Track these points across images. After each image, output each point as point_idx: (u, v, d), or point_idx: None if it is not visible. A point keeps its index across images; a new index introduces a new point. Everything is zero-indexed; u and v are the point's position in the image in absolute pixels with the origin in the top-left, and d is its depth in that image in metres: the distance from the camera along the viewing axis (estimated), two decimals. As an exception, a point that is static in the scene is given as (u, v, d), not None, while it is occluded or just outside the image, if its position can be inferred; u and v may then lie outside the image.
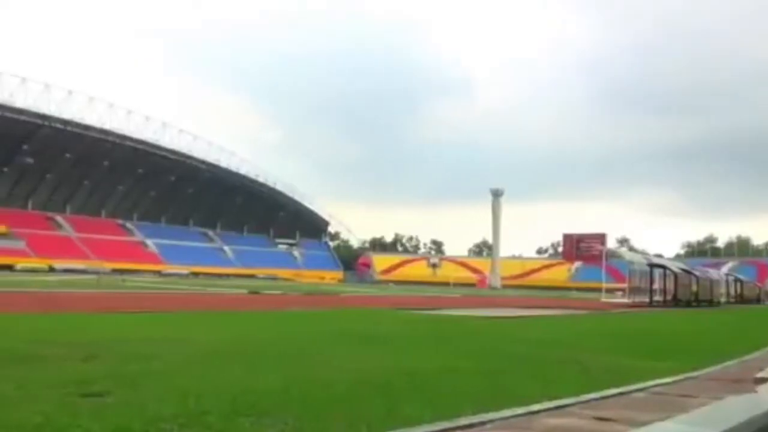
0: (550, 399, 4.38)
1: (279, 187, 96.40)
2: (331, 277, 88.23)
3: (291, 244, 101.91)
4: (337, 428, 3.49)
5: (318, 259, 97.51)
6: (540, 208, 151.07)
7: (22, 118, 68.19)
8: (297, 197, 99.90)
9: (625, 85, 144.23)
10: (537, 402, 4.23)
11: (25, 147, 72.43)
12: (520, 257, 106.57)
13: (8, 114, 67.05)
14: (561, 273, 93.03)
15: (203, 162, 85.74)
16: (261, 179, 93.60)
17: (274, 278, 72.44)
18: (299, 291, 32.54)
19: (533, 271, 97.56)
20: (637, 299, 31.87)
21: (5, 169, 74.83)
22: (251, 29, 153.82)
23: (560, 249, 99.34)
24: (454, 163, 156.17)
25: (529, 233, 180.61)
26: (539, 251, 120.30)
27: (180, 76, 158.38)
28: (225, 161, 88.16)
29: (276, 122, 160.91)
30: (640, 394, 4.89)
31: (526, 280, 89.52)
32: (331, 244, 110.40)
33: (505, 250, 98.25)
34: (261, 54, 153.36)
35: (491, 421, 3.69)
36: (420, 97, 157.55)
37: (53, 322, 9.68)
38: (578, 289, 68.27)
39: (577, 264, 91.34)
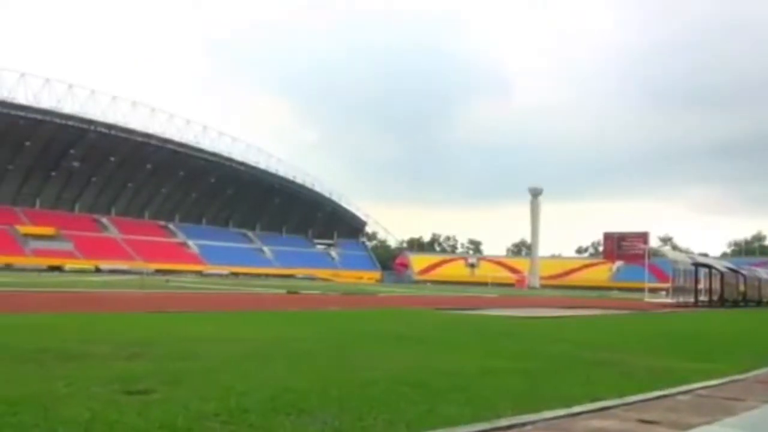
0: (592, 400, 4.31)
1: (317, 187, 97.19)
2: (369, 277, 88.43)
3: (329, 245, 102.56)
4: (377, 427, 3.51)
5: (355, 259, 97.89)
6: (580, 207, 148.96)
7: (70, 123, 70.49)
8: (334, 197, 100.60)
9: (668, 80, 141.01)
10: (578, 403, 4.18)
11: (72, 151, 74.79)
12: (559, 257, 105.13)
13: (56, 120, 69.38)
14: (602, 273, 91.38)
15: (242, 164, 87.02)
16: (299, 180, 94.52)
17: (312, 278, 73.00)
18: (337, 291, 32.72)
19: (573, 270, 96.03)
20: (682, 299, 31.09)
21: (53, 173, 77.31)
22: (288, 31, 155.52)
23: (601, 248, 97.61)
24: (492, 162, 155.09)
25: (569, 232, 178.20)
26: (579, 251, 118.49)
27: (219, 79, 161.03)
28: (263, 163, 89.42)
29: (313, 123, 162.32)
30: (685, 397, 4.77)
31: (566, 280, 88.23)
32: (369, 244, 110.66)
33: (544, 249, 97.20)
34: (298, 56, 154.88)
35: (532, 422, 3.66)
36: (457, 97, 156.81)
37: (99, 322, 9.95)
38: (620, 289, 66.97)
39: (619, 263, 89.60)
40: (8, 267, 56.54)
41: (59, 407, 3.61)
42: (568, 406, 4.08)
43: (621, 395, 4.54)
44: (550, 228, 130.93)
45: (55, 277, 42.14)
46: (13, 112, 66.27)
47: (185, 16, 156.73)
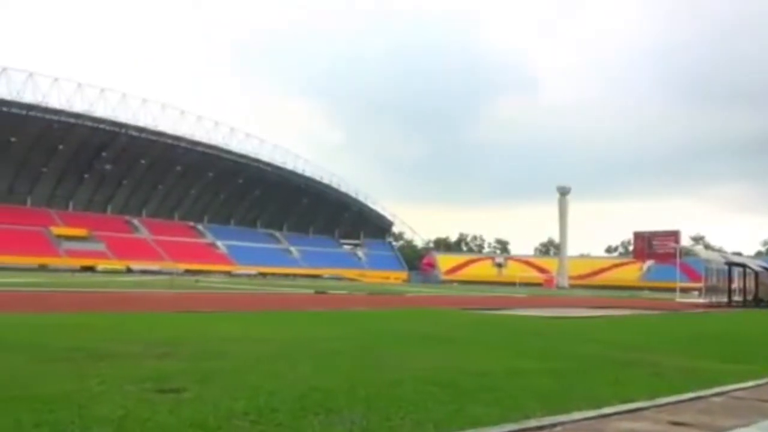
0: (623, 401, 4.25)
1: (343, 188, 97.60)
2: (396, 277, 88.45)
3: (355, 245, 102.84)
4: (404, 427, 3.51)
5: (382, 259, 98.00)
6: (609, 206, 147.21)
7: (101, 126, 71.94)
8: (361, 198, 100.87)
9: (697, 76, 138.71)
10: (609, 404, 4.12)
11: (104, 154, 76.30)
12: (588, 256, 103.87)
13: (89, 123, 70.85)
14: (632, 272, 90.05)
15: (269, 164, 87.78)
16: (325, 180, 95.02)
17: (339, 278, 73.29)
18: (364, 291, 32.79)
19: (602, 270, 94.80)
20: (715, 299, 30.50)
21: (86, 176, 78.95)
22: (314, 33, 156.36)
23: (631, 247, 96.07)
24: (520, 161, 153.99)
25: (598, 232, 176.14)
26: (608, 250, 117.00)
27: (247, 81, 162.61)
28: (290, 163, 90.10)
29: (339, 124, 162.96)
30: (719, 399, 4.67)
31: (595, 280, 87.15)
32: (395, 244, 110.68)
33: (572, 249, 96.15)
34: (324, 57, 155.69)
35: (561, 423, 3.62)
36: (484, 95, 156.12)
37: (131, 321, 10.13)
38: (651, 289, 65.94)
39: (649, 263, 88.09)
40: (43, 267, 57.86)
41: (93, 405, 3.68)
42: (598, 407, 4.03)
43: (652, 396, 4.47)
44: (578, 227, 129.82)
45: (87, 277, 43.00)
46: (47, 116, 67.88)
47: (213, 18, 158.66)
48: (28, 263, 57.75)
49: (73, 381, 4.37)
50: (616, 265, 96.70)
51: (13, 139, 69.07)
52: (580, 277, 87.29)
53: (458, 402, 4.12)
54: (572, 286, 79.29)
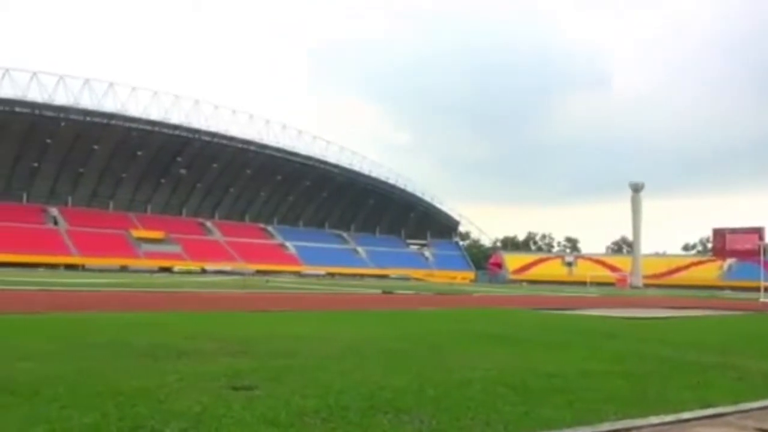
0: (703, 406, 4.08)
1: (409, 188, 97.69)
2: (463, 276, 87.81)
3: (422, 245, 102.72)
4: (474, 428, 3.48)
5: (449, 259, 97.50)
6: (685, 202, 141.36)
7: (177, 132, 74.96)
8: (427, 198, 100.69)
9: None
10: (688, 409, 3.96)
11: (179, 159, 79.38)
12: (664, 254, 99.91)
13: (165, 130, 74.01)
14: (711, 271, 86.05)
15: (336, 166, 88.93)
16: (391, 181, 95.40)
17: (406, 278, 73.38)
18: (431, 291, 32.72)
19: (679, 269, 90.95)
20: (804, 299, 28.75)
21: (163, 181, 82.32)
22: (380, 34, 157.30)
23: (710, 245, 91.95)
24: (590, 157, 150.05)
25: (674, 229, 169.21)
26: (686, 248, 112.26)
27: (313, 84, 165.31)
28: (357, 165, 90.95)
29: (405, 124, 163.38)
30: (810, 405, 4.40)
31: (671, 279, 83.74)
32: (462, 243, 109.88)
33: (647, 247, 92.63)
34: (391, 59, 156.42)
35: (637, 427, 3.51)
36: (553, 91, 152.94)
37: (206, 320, 10.48)
38: (732, 289, 62.77)
39: (730, 261, 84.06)
40: (124, 269, 60.70)
41: (172, 400, 3.84)
42: (677, 411, 3.88)
43: (735, 401, 4.26)
44: (653, 225, 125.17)
45: (165, 277, 44.79)
46: (126, 124, 71.32)
47: (282, 24, 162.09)
48: (110, 264, 60.74)
49: (154, 377, 4.57)
50: (694, 264, 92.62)
51: (96, 147, 72.89)
52: (655, 276, 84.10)
53: (528, 403, 4.06)
54: (646, 286, 76.49)
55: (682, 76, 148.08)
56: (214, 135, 77.03)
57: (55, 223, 72.03)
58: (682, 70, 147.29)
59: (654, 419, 3.67)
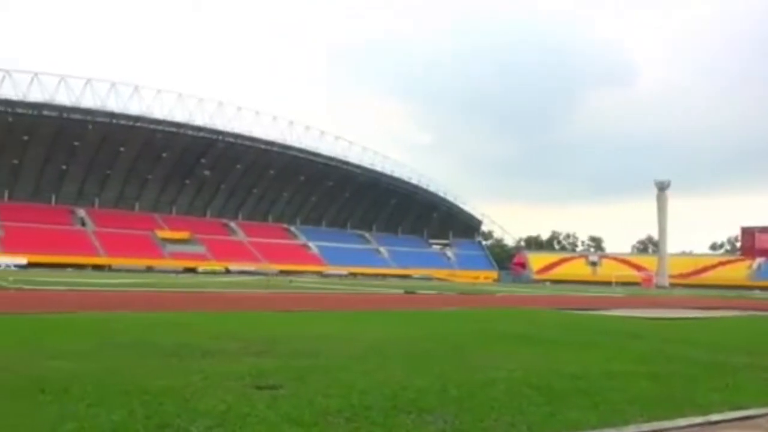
0: (733, 408, 4.01)
1: (431, 188, 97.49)
2: (486, 276, 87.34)
3: (444, 244, 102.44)
4: (498, 429, 3.46)
5: (471, 259, 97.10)
6: (713, 201, 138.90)
7: (201, 134, 75.85)
8: (449, 197, 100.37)
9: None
10: (717, 411, 3.90)
11: (203, 160, 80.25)
12: (690, 254, 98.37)
13: (189, 132, 74.92)
14: (740, 270, 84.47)
15: (358, 166, 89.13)
16: (414, 181, 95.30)
17: (429, 278, 73.22)
18: (454, 290, 32.61)
19: (706, 268, 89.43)
20: (837, 300, 28.07)
21: (187, 182, 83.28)
22: (403, 34, 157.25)
23: (738, 244, 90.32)
24: (614, 155, 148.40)
25: (702, 228, 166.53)
26: (713, 247, 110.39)
27: (335, 83, 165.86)
28: (379, 165, 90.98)
29: (427, 123, 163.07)
30: None
31: (699, 279, 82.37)
32: (485, 243, 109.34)
33: (673, 246, 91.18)
34: (413, 59, 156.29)
35: (664, 430, 3.46)
36: (575, 88, 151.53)
37: (230, 320, 10.57)
38: (762, 288, 61.55)
39: (760, 260, 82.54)
40: (149, 269, 61.48)
41: (197, 399, 3.89)
42: (705, 413, 3.82)
43: (767, 404, 4.18)
44: (679, 223, 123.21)
45: (189, 278, 45.28)
46: (151, 126, 72.33)
47: (304, 24, 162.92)
48: (136, 265, 61.54)
49: (179, 376, 4.62)
50: (722, 263, 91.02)
51: (122, 149, 74.02)
52: (682, 275, 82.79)
53: (553, 405, 4.03)
54: (673, 286, 75.32)
55: (708, 72, 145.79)
56: (237, 136, 77.73)
57: (83, 224, 73.26)
58: (708, 67, 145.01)
59: (681, 421, 3.62)
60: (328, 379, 4.70)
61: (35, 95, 64.34)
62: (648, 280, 79.32)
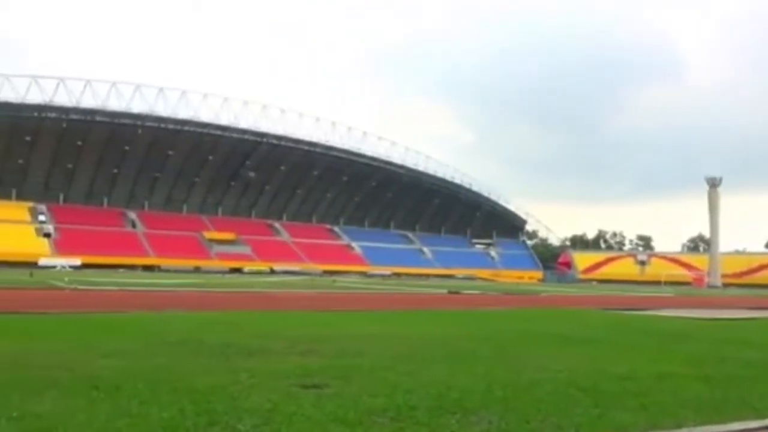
0: (791, 413, 3.86)
1: (475, 187, 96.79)
2: (530, 276, 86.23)
3: (488, 244, 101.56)
4: (544, 430, 3.42)
5: (516, 259, 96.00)
6: (767, 197, 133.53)
7: (245, 137, 77.25)
8: (493, 197, 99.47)
9: None
10: (774, 415, 3.76)
11: (248, 162, 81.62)
12: (744, 252, 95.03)
13: (234, 134, 76.31)
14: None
15: (401, 167, 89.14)
16: (457, 180, 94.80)
17: (472, 278, 72.72)
18: (498, 291, 32.31)
19: (762, 267, 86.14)
20: None
21: (233, 183, 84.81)
22: (445, 33, 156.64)
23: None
24: (663, 152, 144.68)
25: (756, 225, 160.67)
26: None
27: (378, 84, 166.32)
28: (422, 165, 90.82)
29: (471, 124, 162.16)
30: None
31: (753, 278, 79.48)
32: (529, 243, 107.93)
33: (726, 244, 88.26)
34: (456, 58, 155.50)
35: (718, 433, 3.36)
36: (621, 84, 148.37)
37: (275, 319, 10.71)
38: (821, 288, 59.02)
39: (819, 258, 79.05)
40: (197, 269, 62.80)
41: (244, 398, 3.96)
42: (761, 417, 3.69)
43: (827, 408, 4.02)
44: (732, 221, 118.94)
45: (236, 278, 46.07)
46: (198, 129, 73.97)
47: (346, 26, 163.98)
48: (184, 265, 62.95)
49: (227, 375, 4.72)
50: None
51: (170, 153, 75.92)
52: (735, 275, 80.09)
53: (601, 406, 3.96)
54: (726, 285, 72.97)
55: (759, 66, 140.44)
56: (281, 138, 78.77)
57: (134, 226, 75.38)
58: (759, 60, 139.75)
59: (736, 425, 3.51)
60: (373, 379, 4.72)
61: (88, 101, 66.61)
62: (699, 280, 77.01)
